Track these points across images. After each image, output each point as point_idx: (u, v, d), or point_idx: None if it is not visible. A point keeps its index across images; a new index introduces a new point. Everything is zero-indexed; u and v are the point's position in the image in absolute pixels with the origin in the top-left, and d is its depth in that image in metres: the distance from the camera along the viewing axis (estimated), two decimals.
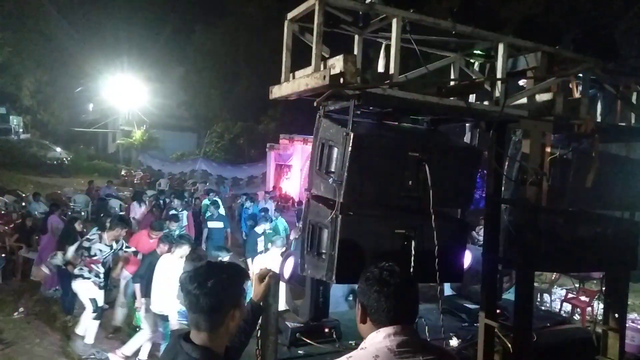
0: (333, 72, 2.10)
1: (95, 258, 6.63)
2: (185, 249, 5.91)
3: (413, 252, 2.40)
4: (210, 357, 1.68)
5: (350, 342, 3.17)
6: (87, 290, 6.62)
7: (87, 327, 6.53)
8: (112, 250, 6.88)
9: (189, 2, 34.10)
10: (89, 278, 6.59)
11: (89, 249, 6.64)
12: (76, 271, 6.67)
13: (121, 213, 13.29)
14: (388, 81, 2.27)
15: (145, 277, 6.08)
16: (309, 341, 3.22)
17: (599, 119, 3.10)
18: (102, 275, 6.73)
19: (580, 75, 2.90)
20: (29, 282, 9.46)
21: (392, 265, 1.70)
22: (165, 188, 19.72)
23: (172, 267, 5.82)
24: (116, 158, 34.40)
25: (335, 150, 2.39)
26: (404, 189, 2.41)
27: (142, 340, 6.15)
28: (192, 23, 32.49)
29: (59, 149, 29.99)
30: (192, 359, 1.65)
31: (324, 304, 3.30)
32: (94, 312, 6.51)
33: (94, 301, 6.55)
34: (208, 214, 11.09)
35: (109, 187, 18.69)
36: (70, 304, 7.51)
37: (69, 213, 12.36)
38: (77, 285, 6.65)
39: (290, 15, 2.44)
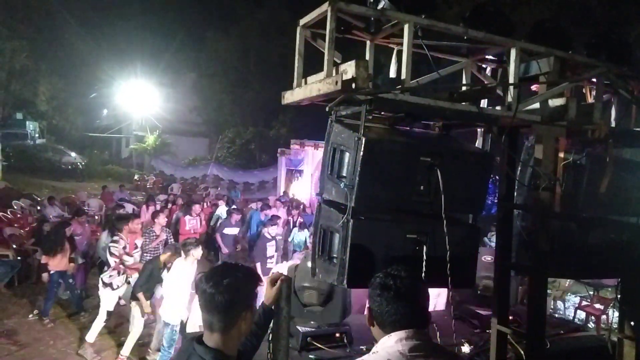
0: (345, 77, 2.12)
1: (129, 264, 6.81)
2: (199, 252, 5.99)
3: (424, 257, 2.40)
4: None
5: (361, 347, 3.17)
6: (110, 301, 6.74)
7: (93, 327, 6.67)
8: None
9: (201, 9, 34.51)
10: (116, 289, 6.72)
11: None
12: (106, 279, 6.74)
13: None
14: (400, 86, 2.27)
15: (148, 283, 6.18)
16: (320, 346, 3.23)
17: (613, 124, 3.07)
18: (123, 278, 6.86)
19: (594, 79, 2.88)
20: (43, 285, 9.57)
21: (399, 269, 1.71)
22: (177, 193, 19.89)
23: (184, 271, 5.88)
24: (129, 163, 34.76)
25: (347, 155, 2.40)
26: (415, 194, 2.41)
27: (133, 340, 6.31)
28: (203, 29, 32.83)
29: (73, 154, 30.41)
30: None
31: (350, 305, 3.33)
32: (105, 321, 6.71)
33: (110, 313, 6.74)
34: (223, 218, 11.18)
35: (121, 191, 18.90)
36: (79, 301, 7.75)
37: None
38: (105, 294, 6.74)
39: (302, 21, 2.47)
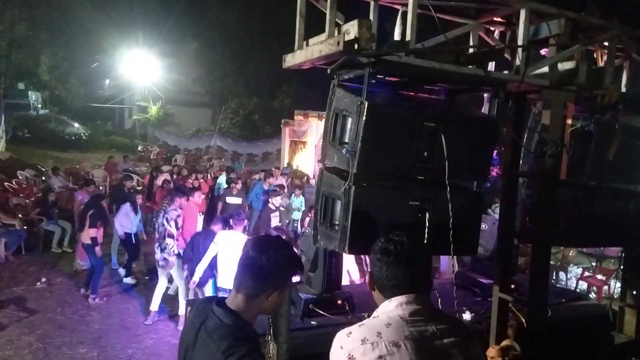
0: (347, 37, 2.04)
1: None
2: (243, 223, 6.16)
3: (427, 224, 2.38)
4: (242, 324, 1.64)
5: (363, 314, 3.18)
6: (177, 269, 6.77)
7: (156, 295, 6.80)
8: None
9: None
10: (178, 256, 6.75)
11: (177, 223, 6.82)
12: (171, 252, 6.72)
13: (138, 188, 13.50)
14: (404, 48, 2.19)
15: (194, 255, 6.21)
16: (322, 312, 3.25)
17: (623, 90, 2.99)
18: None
19: (606, 43, 2.78)
20: (50, 253, 9.74)
21: (399, 235, 1.68)
22: (181, 163, 19.90)
23: (235, 242, 5.82)
24: (132, 134, 34.66)
25: (349, 120, 2.34)
26: (419, 160, 2.37)
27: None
28: None
29: (76, 125, 30.29)
30: (223, 324, 1.62)
31: (337, 276, 3.31)
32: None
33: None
34: (224, 188, 11.22)
35: (125, 162, 18.92)
36: (97, 285, 7.52)
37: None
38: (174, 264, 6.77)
39: None
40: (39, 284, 8.01)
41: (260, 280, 1.68)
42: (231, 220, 6.20)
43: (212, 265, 6.00)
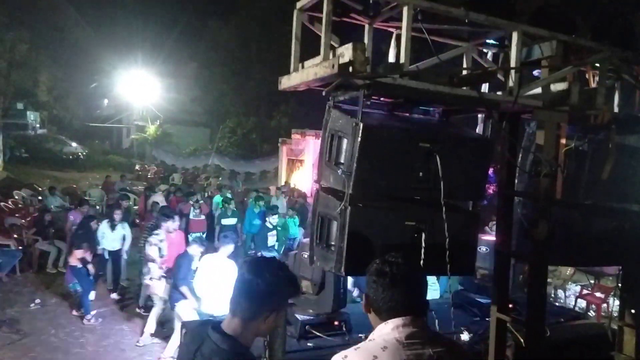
0: (342, 60, 2.07)
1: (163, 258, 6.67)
2: (230, 248, 5.89)
3: (423, 244, 2.37)
4: (239, 349, 1.62)
5: (360, 335, 3.15)
6: (161, 289, 6.64)
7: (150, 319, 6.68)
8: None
9: None
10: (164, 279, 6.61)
11: (160, 248, 6.64)
12: (155, 273, 6.60)
13: (135, 207, 13.46)
14: (398, 70, 2.22)
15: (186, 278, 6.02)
16: (318, 334, 3.21)
17: (616, 110, 3.02)
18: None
19: (597, 64, 2.82)
20: (45, 274, 9.64)
21: (396, 256, 1.68)
22: (178, 182, 19.88)
23: (219, 266, 5.75)
24: (130, 153, 34.71)
25: (345, 141, 2.36)
26: (414, 181, 2.38)
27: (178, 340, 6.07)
28: (204, 18, 32.53)
29: (74, 144, 30.36)
30: (219, 349, 1.59)
31: (344, 294, 3.30)
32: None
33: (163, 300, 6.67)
34: (220, 211, 11.17)
35: (123, 181, 18.90)
36: (87, 305, 7.44)
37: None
38: (157, 285, 6.64)
39: (299, 4, 2.42)
40: (32, 305, 7.91)
41: (257, 303, 1.66)
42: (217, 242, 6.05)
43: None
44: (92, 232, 8.36)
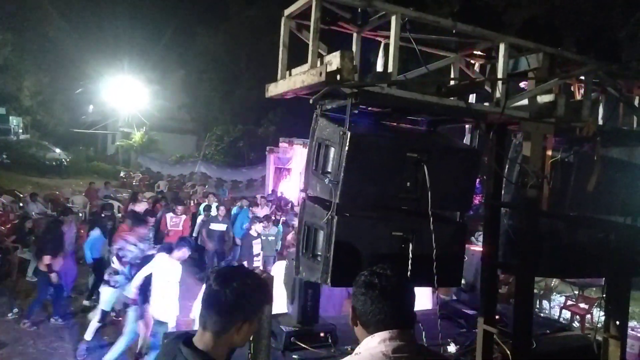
0: (330, 68, 2.05)
1: (125, 260, 6.58)
2: (184, 252, 5.84)
3: (410, 255, 2.35)
4: None
5: (346, 347, 3.10)
6: (107, 300, 6.61)
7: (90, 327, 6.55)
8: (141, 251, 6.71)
9: (191, 5, 34.15)
10: (114, 287, 6.53)
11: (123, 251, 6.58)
12: (106, 276, 6.62)
13: (118, 215, 13.23)
14: (386, 79, 2.21)
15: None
16: (303, 346, 3.15)
17: (601, 122, 3.05)
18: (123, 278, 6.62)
19: (583, 77, 2.85)
20: (24, 282, 9.40)
21: (384, 267, 1.65)
22: (164, 190, 19.66)
23: (171, 270, 5.74)
24: (115, 160, 34.33)
25: (332, 150, 2.34)
26: (401, 191, 2.36)
27: (121, 348, 6.02)
28: (193, 25, 32.51)
29: (58, 150, 29.94)
30: None
31: (313, 307, 3.23)
32: (99, 321, 6.58)
33: (104, 312, 6.62)
34: (205, 214, 11.06)
35: (107, 188, 18.62)
36: (64, 310, 7.39)
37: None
38: (104, 291, 6.61)
39: (287, 11, 2.40)
40: (10, 314, 7.68)
41: (226, 315, 1.61)
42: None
43: (143, 290, 5.85)
44: (60, 236, 8.11)
